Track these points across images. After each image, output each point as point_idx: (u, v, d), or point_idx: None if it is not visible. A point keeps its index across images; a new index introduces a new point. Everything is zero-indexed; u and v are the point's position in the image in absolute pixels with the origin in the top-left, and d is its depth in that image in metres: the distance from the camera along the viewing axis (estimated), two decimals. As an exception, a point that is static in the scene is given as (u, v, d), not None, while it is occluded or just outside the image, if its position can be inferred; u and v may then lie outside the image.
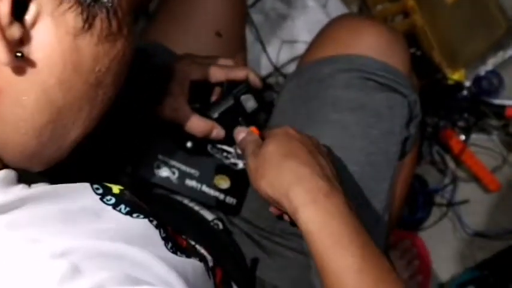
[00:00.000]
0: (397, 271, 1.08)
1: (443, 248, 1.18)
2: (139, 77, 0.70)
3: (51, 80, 0.41)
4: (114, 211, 0.47)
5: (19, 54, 0.38)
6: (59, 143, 0.45)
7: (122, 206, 0.48)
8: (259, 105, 0.74)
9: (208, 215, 0.75)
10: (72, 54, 0.41)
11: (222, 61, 0.75)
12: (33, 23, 0.39)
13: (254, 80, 0.75)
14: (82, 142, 0.47)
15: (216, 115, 0.73)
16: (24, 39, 0.39)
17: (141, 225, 0.48)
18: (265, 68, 1.22)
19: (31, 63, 0.40)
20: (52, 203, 0.44)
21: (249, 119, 0.73)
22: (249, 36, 1.15)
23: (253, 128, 0.70)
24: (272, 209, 0.66)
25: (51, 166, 0.48)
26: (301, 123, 0.72)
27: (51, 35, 0.39)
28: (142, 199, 0.53)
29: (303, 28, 1.22)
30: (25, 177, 0.46)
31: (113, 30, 0.42)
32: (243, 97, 0.73)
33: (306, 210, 0.55)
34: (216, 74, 0.73)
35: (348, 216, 0.55)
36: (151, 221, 0.49)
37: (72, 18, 0.40)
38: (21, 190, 0.44)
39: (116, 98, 0.47)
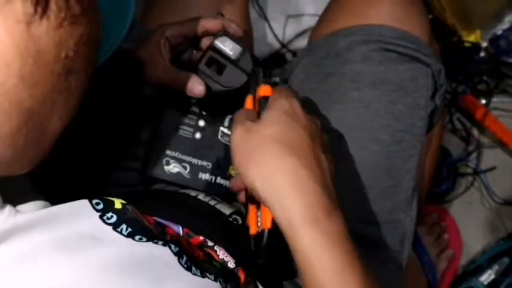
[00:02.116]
0: (426, 247, 1.04)
1: (472, 219, 1.14)
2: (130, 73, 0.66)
3: (11, 80, 0.35)
4: (115, 233, 0.43)
5: None
6: (39, 144, 0.40)
7: (124, 226, 0.43)
8: (243, 48, 0.67)
9: (226, 209, 0.71)
10: (29, 46, 0.35)
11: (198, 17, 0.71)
12: None
13: (228, 25, 0.69)
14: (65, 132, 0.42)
15: (201, 66, 0.67)
16: None
17: (145, 250, 0.43)
18: (272, 45, 1.18)
19: None
20: (44, 231, 0.39)
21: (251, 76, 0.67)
22: (252, 13, 1.10)
23: (265, 87, 0.61)
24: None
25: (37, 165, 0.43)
26: (320, 104, 0.67)
27: None
28: (154, 199, 0.48)
29: (308, 0, 1.17)
30: (13, 196, 0.41)
31: (72, 9, 0.36)
32: (216, 41, 0.67)
33: (306, 233, 0.48)
34: (191, 26, 0.69)
35: (348, 239, 0.49)
36: (156, 243, 0.44)
37: (21, 5, 0.34)
38: (6, 219, 0.39)
39: (91, 79, 0.42)
